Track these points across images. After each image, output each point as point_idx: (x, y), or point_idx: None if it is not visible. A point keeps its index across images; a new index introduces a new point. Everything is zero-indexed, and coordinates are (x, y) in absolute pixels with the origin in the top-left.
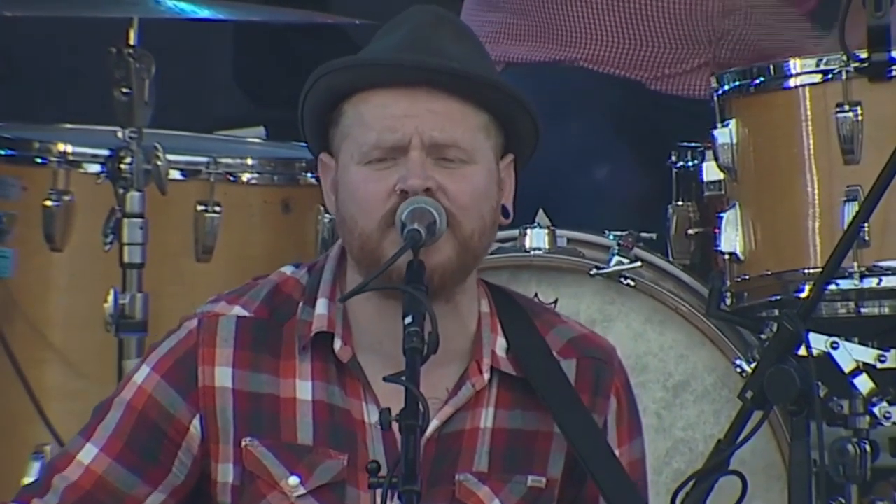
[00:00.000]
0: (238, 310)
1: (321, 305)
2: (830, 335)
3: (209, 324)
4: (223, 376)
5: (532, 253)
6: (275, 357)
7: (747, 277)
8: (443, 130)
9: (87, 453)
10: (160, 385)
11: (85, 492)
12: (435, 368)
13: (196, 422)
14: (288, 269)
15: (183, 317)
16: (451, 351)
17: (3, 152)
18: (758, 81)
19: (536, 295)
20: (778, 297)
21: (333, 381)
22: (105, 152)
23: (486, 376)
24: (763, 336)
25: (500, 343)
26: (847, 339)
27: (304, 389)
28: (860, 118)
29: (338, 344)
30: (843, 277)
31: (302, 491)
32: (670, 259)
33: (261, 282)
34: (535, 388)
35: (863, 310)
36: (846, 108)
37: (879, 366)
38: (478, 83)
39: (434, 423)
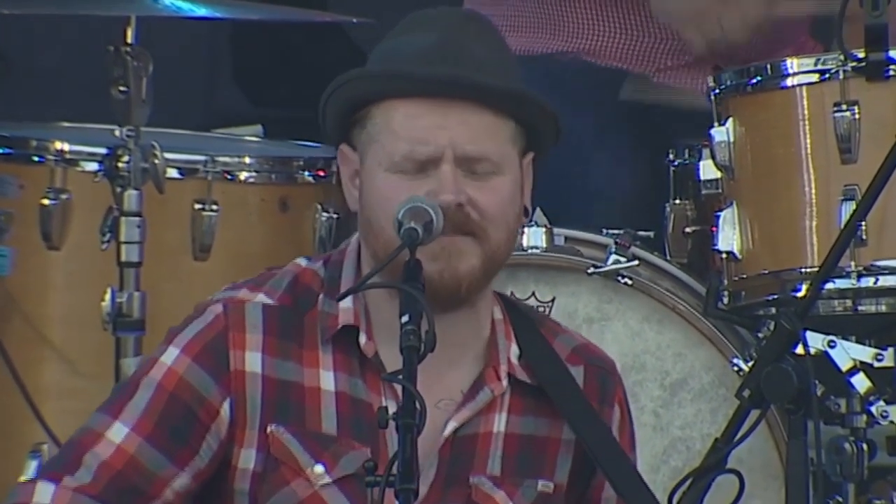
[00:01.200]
0: (262, 297)
1: (346, 299)
2: (828, 334)
3: (236, 308)
4: (253, 362)
5: (529, 251)
6: (299, 346)
7: (744, 276)
8: (475, 143)
9: (118, 432)
10: (192, 367)
11: (117, 471)
12: (450, 370)
13: (226, 405)
14: (302, 262)
15: (199, 304)
16: (467, 354)
17: (0, 151)
18: (755, 80)
19: (534, 293)
20: (775, 296)
21: (356, 374)
22: (102, 151)
23: (505, 383)
24: (760, 335)
25: (514, 350)
26: (844, 338)
27: (327, 380)
28: (857, 117)
29: (363, 339)
30: (841, 276)
31: (327, 479)
32: (668, 258)
33: (277, 272)
34: (549, 394)
35: (860, 308)
36: (843, 107)
37: (876, 364)
38: (513, 98)
39: (452, 425)
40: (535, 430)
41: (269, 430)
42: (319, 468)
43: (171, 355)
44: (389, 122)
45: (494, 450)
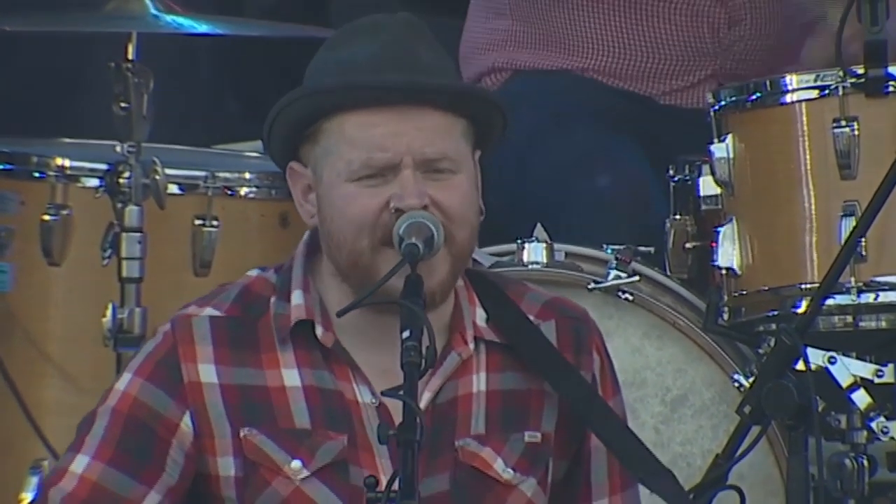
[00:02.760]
0: (209, 310)
1: (297, 296)
2: (828, 350)
3: (182, 324)
4: (207, 373)
5: (530, 267)
6: (255, 352)
7: (744, 292)
8: (432, 145)
9: (79, 463)
10: (145, 387)
11: (82, 501)
12: None
13: (186, 418)
14: (254, 272)
15: (155, 327)
16: (435, 327)
17: (1, 167)
18: (754, 97)
19: None
20: (775, 312)
21: (320, 366)
22: (103, 167)
23: (472, 346)
24: (761, 351)
25: (480, 314)
26: (845, 354)
27: (291, 377)
28: (857, 133)
29: (319, 330)
30: (841, 292)
31: (305, 473)
32: (668, 273)
33: (228, 286)
34: (520, 354)
35: (860, 324)
36: (843, 123)
37: (877, 381)
38: (467, 97)
39: (426, 396)
40: (515, 385)
41: (241, 434)
42: (297, 464)
43: (124, 381)
44: (344, 133)
45: (477, 409)
